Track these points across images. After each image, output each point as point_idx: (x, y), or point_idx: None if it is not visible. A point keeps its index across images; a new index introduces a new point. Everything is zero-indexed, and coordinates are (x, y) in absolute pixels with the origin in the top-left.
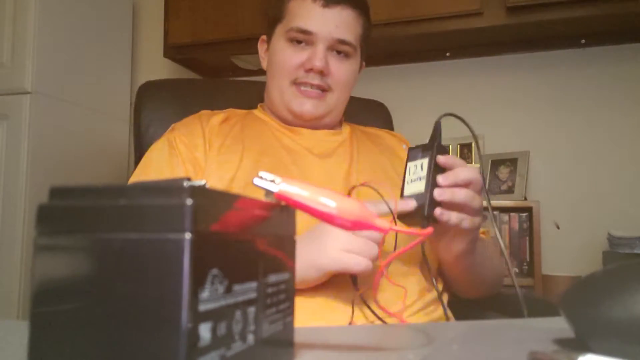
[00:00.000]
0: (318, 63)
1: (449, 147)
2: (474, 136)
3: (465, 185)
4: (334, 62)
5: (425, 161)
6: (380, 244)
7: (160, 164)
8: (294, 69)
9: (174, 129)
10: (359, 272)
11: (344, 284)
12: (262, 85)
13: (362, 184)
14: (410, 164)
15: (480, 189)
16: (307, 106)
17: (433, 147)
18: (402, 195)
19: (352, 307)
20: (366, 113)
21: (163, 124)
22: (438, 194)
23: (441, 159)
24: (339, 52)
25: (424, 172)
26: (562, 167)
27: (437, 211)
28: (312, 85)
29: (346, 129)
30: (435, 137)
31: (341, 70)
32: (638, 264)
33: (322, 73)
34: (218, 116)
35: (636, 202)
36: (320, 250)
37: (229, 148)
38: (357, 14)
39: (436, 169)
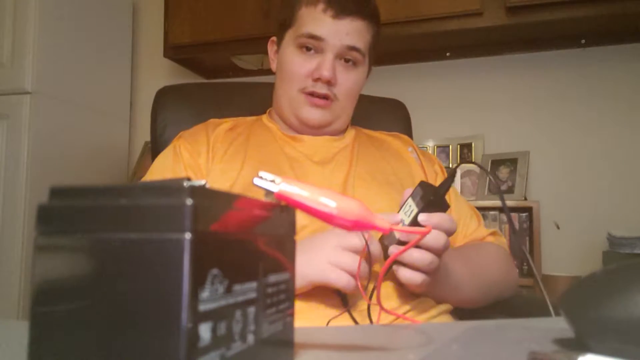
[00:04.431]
0: (326, 73)
1: (448, 147)
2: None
3: (426, 247)
4: (341, 72)
5: (415, 212)
6: (361, 256)
7: (163, 170)
8: (303, 78)
9: (181, 136)
10: (339, 287)
11: (327, 297)
12: (273, 88)
13: None
14: (410, 201)
15: (440, 252)
16: (314, 114)
17: (428, 201)
18: None
19: (328, 322)
20: (382, 112)
21: (178, 127)
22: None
23: (421, 218)
24: (347, 60)
25: (408, 220)
26: (562, 167)
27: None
28: (319, 95)
29: (350, 133)
30: (439, 190)
31: (348, 80)
32: (638, 264)
33: (329, 83)
34: (225, 124)
35: (636, 202)
36: (308, 260)
37: (231, 156)
38: (367, 23)
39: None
